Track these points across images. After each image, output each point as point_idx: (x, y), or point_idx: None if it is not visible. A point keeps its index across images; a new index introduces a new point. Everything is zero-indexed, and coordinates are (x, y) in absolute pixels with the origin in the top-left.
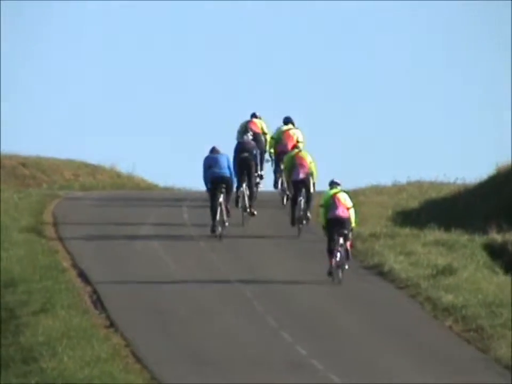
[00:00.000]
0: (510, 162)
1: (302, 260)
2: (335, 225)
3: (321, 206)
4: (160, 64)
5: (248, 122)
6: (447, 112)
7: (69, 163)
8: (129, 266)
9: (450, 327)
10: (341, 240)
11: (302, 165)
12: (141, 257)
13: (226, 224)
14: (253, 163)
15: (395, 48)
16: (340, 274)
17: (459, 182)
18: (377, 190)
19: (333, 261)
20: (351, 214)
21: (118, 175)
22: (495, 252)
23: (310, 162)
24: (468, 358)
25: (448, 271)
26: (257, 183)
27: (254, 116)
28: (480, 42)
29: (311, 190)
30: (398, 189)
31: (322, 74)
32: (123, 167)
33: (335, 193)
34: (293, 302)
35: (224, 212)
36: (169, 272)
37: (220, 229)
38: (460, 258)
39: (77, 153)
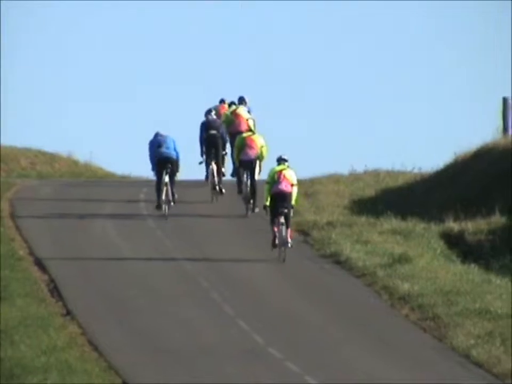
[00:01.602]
0: (468, 151)
1: (253, 242)
2: (278, 201)
3: (267, 183)
4: (120, 48)
5: (217, 106)
6: (404, 101)
7: (26, 151)
8: (86, 254)
9: (406, 315)
10: (282, 219)
11: (251, 147)
12: (98, 245)
13: (172, 204)
14: (220, 140)
15: (355, 33)
16: (283, 252)
17: (416, 170)
18: (334, 179)
19: (275, 228)
20: (294, 190)
21: (75, 163)
22: (451, 241)
23: (262, 146)
24: (425, 346)
25: (404, 259)
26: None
27: (223, 101)
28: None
29: (256, 172)
30: (354, 177)
31: (278, 56)
32: (80, 156)
33: (281, 170)
34: (251, 295)
35: (170, 192)
36: (126, 260)
37: (166, 208)
38: (416, 247)
39: (33, 141)
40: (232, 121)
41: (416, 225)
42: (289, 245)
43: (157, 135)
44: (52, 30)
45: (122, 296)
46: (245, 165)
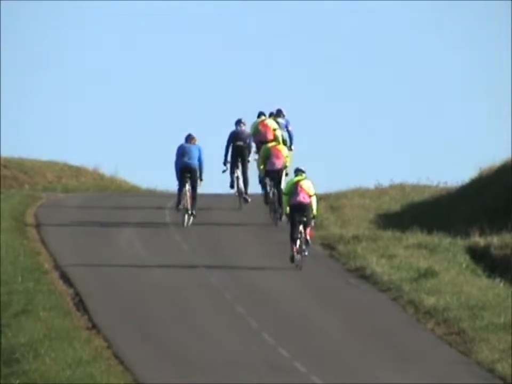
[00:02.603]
0: (492, 165)
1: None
2: (297, 211)
3: (285, 194)
4: (146, 66)
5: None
6: (430, 116)
7: (52, 165)
8: (111, 268)
9: (432, 329)
10: (301, 227)
11: (277, 156)
12: (123, 259)
13: (193, 212)
14: (246, 151)
15: (381, 49)
16: (300, 259)
17: (441, 185)
18: (360, 193)
19: (294, 247)
20: (313, 201)
21: (101, 177)
22: (477, 255)
23: (286, 156)
24: (450, 361)
25: (430, 274)
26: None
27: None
28: (470, 44)
29: (282, 183)
30: (380, 191)
31: (307, 74)
32: (106, 169)
33: (298, 181)
34: (278, 309)
35: (189, 201)
36: (151, 273)
37: (185, 218)
38: (442, 261)
39: (59, 154)
40: (258, 131)
41: (442, 240)
42: (309, 242)
43: (187, 138)
44: (78, 45)
45: (148, 309)
46: (271, 174)
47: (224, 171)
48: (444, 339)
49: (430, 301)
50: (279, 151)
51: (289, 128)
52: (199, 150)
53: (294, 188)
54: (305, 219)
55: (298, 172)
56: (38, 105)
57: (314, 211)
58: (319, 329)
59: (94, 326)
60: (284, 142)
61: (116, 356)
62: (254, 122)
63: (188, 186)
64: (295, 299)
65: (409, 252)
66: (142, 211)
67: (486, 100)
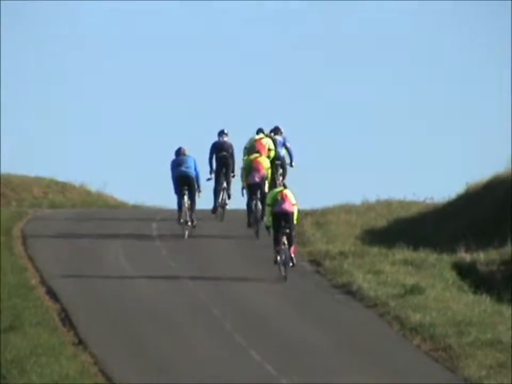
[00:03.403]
0: (480, 181)
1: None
2: (281, 219)
3: (268, 205)
4: (133, 81)
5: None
6: (416, 131)
7: (39, 180)
8: (98, 283)
9: (418, 346)
10: (284, 239)
11: (257, 169)
12: (110, 275)
13: (189, 224)
14: (230, 161)
15: (370, 63)
16: (284, 272)
17: (428, 201)
18: (346, 209)
19: (277, 248)
20: (295, 210)
21: (88, 192)
22: (463, 271)
23: (268, 169)
24: (436, 377)
25: (416, 290)
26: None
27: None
28: (460, 56)
29: (266, 191)
30: (367, 207)
31: (291, 89)
32: (93, 185)
33: (281, 191)
34: (264, 325)
35: (188, 213)
36: (138, 289)
37: (185, 229)
38: (428, 277)
39: (46, 170)
40: (253, 148)
41: (428, 256)
42: (294, 262)
43: (178, 152)
44: (64, 58)
45: (135, 325)
46: (252, 188)
47: (209, 179)
48: (430, 355)
49: (416, 317)
50: (259, 163)
51: (288, 145)
52: (194, 162)
53: (279, 197)
54: (288, 230)
55: (278, 184)
56: (24, 121)
57: (295, 221)
58: (305, 345)
59: (80, 342)
60: (281, 160)
61: (103, 372)
62: (251, 139)
63: (186, 198)
64: (281, 315)
65: (395, 268)
66: (129, 226)
67: (474, 115)
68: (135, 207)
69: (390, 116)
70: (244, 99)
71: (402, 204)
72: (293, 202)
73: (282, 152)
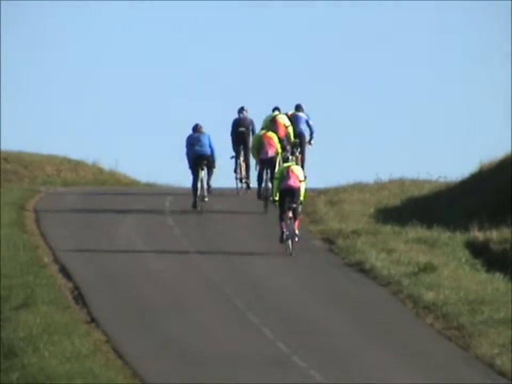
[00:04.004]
0: (493, 159)
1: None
2: (287, 195)
3: (276, 178)
4: (145, 60)
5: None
6: (430, 109)
7: (51, 158)
8: (111, 262)
9: (431, 324)
10: (290, 214)
11: (269, 144)
12: (123, 252)
13: (206, 199)
14: (248, 138)
15: (381, 44)
16: (291, 246)
17: (441, 179)
18: (359, 188)
19: (284, 226)
20: (302, 186)
21: (100, 171)
22: (476, 250)
23: (278, 143)
24: (449, 355)
25: (429, 268)
26: None
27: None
28: (471, 37)
29: (276, 169)
30: (380, 186)
31: (306, 68)
32: (106, 163)
33: (289, 166)
34: (277, 304)
35: (205, 188)
36: (150, 267)
37: (201, 205)
38: (441, 256)
39: (59, 148)
40: (269, 127)
41: (441, 234)
42: (297, 238)
43: (194, 128)
44: (78, 40)
45: (147, 303)
46: (265, 163)
47: (232, 157)
48: (443, 334)
49: (429, 295)
50: (270, 138)
51: (310, 123)
52: (209, 139)
53: (286, 172)
54: (294, 205)
55: (288, 158)
56: (37, 99)
57: (302, 197)
58: (318, 323)
59: (93, 320)
60: (302, 137)
61: (115, 350)
62: (267, 117)
63: (203, 174)
64: (294, 293)
65: (408, 246)
66: (142, 203)
67: (486, 93)
68: (148, 185)
69: (404, 94)
70: (260, 80)
71: (415, 182)
72: (300, 179)
73: (304, 129)
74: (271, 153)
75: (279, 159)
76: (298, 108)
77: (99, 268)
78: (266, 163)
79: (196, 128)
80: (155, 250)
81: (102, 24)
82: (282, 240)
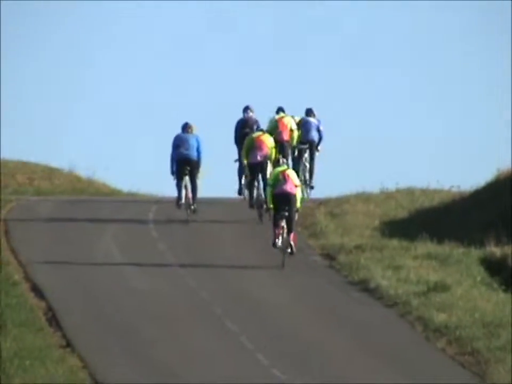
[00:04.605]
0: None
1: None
2: (282, 201)
3: (269, 185)
4: (125, 62)
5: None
6: (440, 113)
7: (23, 165)
8: (87, 279)
9: (443, 349)
10: (283, 224)
11: (260, 148)
12: (101, 269)
13: (193, 207)
14: None
15: (387, 46)
16: (284, 259)
17: (454, 189)
18: (364, 198)
19: (277, 232)
20: (298, 192)
21: (78, 179)
22: (493, 267)
23: (271, 148)
24: (463, 383)
25: (441, 287)
26: None
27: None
28: (480, 45)
29: (268, 174)
30: (386, 196)
31: (309, 72)
32: (83, 171)
33: (284, 170)
34: (273, 326)
35: (190, 197)
36: (131, 285)
37: (188, 212)
38: (454, 274)
39: (31, 155)
40: (274, 129)
41: (454, 250)
42: (293, 249)
43: (184, 127)
44: (54, 42)
45: (128, 324)
46: (253, 168)
47: (236, 160)
48: (456, 359)
49: (441, 317)
50: (262, 142)
51: (321, 129)
52: (197, 140)
53: (281, 177)
54: (287, 213)
55: (280, 163)
56: (8, 102)
57: (298, 203)
58: (317, 347)
59: (68, 344)
60: (312, 144)
61: (93, 377)
62: (272, 118)
63: (187, 180)
64: (290, 314)
65: (417, 263)
66: (121, 216)
67: (504, 94)
68: (130, 195)
69: (413, 96)
70: (258, 83)
71: (425, 192)
72: (296, 184)
73: (315, 135)
74: (260, 157)
75: (269, 164)
76: (309, 112)
77: (75, 286)
78: (255, 167)
79: (185, 128)
80: (137, 265)
81: (71, 24)
82: (274, 244)
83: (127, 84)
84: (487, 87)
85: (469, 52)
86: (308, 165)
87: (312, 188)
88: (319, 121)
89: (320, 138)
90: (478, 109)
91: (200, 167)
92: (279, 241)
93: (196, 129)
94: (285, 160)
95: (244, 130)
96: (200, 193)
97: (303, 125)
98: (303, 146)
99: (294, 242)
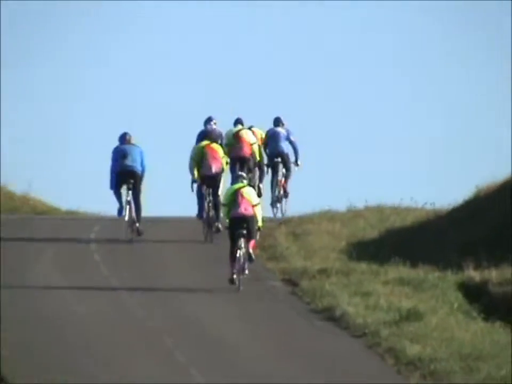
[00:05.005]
0: (492, 183)
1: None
2: (238, 225)
3: (224, 205)
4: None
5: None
6: (415, 123)
7: None
8: (23, 305)
9: None
10: (242, 241)
11: (214, 158)
12: (39, 293)
13: (137, 225)
14: None
15: (359, 55)
16: (239, 279)
17: (428, 207)
18: (329, 216)
19: (234, 268)
20: (257, 211)
21: (10, 195)
22: (472, 293)
23: (223, 157)
24: None
25: (414, 315)
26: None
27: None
28: (467, 55)
29: (220, 188)
30: (353, 215)
31: (278, 82)
32: (16, 186)
33: (239, 188)
34: (226, 359)
35: (134, 211)
36: (72, 311)
37: (130, 231)
38: (429, 300)
39: None
40: (233, 144)
41: (429, 274)
42: (251, 258)
43: (123, 138)
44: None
45: (68, 356)
46: (208, 181)
47: (194, 182)
48: None
49: (414, 349)
50: (215, 151)
51: (292, 139)
52: (141, 153)
53: (235, 197)
54: (245, 231)
55: (239, 178)
56: None
57: (260, 222)
58: (278, 381)
59: (1, 380)
60: (284, 156)
61: None
62: (229, 132)
63: (129, 197)
64: (248, 346)
65: (388, 288)
66: (62, 235)
67: (489, 104)
68: (70, 213)
69: (384, 104)
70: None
71: (396, 210)
72: (253, 203)
73: (285, 147)
74: (215, 168)
75: (223, 176)
76: (277, 122)
77: (8, 312)
78: (209, 180)
79: (124, 139)
80: (77, 289)
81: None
82: (232, 281)
83: (62, 90)
84: (466, 101)
85: (447, 62)
86: (282, 179)
87: (286, 196)
88: (288, 130)
89: (295, 150)
90: (457, 121)
91: (142, 181)
92: (235, 276)
93: (134, 140)
94: (244, 175)
95: None
96: (145, 212)
97: (270, 137)
98: (276, 160)
99: (253, 248)
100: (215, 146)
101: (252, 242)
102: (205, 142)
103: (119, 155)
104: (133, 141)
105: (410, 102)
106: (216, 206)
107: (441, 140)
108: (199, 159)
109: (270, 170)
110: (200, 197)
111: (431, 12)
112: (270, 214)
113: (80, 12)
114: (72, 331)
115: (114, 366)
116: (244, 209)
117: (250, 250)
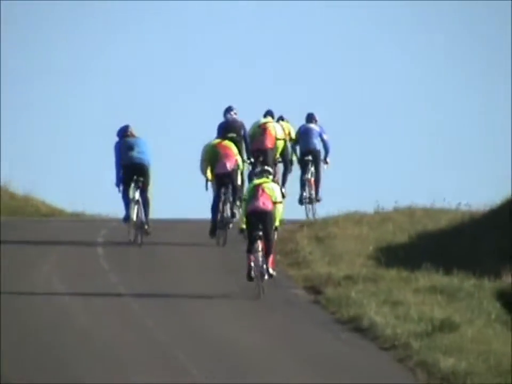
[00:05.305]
0: None
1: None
2: (254, 221)
3: (244, 200)
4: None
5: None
6: (448, 120)
7: None
8: (24, 315)
9: None
10: (259, 245)
11: (227, 155)
12: (42, 305)
13: (146, 227)
14: (242, 145)
15: (388, 58)
16: (261, 287)
17: (463, 208)
18: (355, 219)
19: (252, 259)
20: (278, 209)
21: (12, 196)
22: (511, 302)
23: (236, 154)
24: None
25: (447, 327)
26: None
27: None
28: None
29: (238, 184)
30: (382, 217)
31: (300, 80)
32: (19, 187)
33: (260, 183)
34: (242, 373)
35: (142, 215)
36: (77, 322)
37: (138, 235)
38: (464, 310)
39: None
40: (257, 135)
41: (464, 282)
42: (271, 274)
43: (124, 131)
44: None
45: (72, 371)
46: (222, 179)
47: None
48: None
49: (447, 362)
50: (228, 148)
51: (324, 137)
52: (146, 145)
53: (254, 191)
54: (261, 233)
55: (263, 172)
56: None
57: (277, 222)
58: None
59: None
60: (316, 154)
61: None
62: (255, 122)
63: (137, 195)
64: (267, 360)
65: (420, 297)
66: (67, 239)
67: None
68: (75, 215)
69: (416, 99)
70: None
71: (428, 212)
72: (275, 200)
73: (318, 144)
74: (230, 165)
75: (240, 173)
76: (310, 118)
77: (8, 324)
78: (223, 179)
79: (126, 131)
80: (83, 298)
81: None
82: (250, 277)
83: (68, 89)
84: (502, 98)
85: (472, 60)
86: (312, 178)
87: (318, 201)
88: (321, 128)
89: (326, 149)
90: (490, 118)
91: (150, 176)
92: (253, 272)
93: (136, 133)
94: (269, 169)
95: (228, 135)
96: (154, 214)
97: (302, 133)
98: (307, 158)
99: (272, 265)
100: (227, 143)
101: (271, 259)
102: (216, 141)
103: (125, 147)
104: (135, 133)
105: (443, 101)
106: (233, 203)
107: (476, 138)
108: (211, 158)
109: (299, 167)
110: (214, 211)
111: (433, 12)
112: (294, 216)
113: (80, 12)
114: (76, 345)
115: (124, 380)
116: (262, 203)
117: (270, 270)
